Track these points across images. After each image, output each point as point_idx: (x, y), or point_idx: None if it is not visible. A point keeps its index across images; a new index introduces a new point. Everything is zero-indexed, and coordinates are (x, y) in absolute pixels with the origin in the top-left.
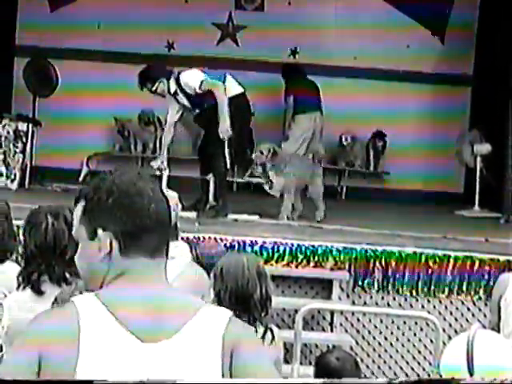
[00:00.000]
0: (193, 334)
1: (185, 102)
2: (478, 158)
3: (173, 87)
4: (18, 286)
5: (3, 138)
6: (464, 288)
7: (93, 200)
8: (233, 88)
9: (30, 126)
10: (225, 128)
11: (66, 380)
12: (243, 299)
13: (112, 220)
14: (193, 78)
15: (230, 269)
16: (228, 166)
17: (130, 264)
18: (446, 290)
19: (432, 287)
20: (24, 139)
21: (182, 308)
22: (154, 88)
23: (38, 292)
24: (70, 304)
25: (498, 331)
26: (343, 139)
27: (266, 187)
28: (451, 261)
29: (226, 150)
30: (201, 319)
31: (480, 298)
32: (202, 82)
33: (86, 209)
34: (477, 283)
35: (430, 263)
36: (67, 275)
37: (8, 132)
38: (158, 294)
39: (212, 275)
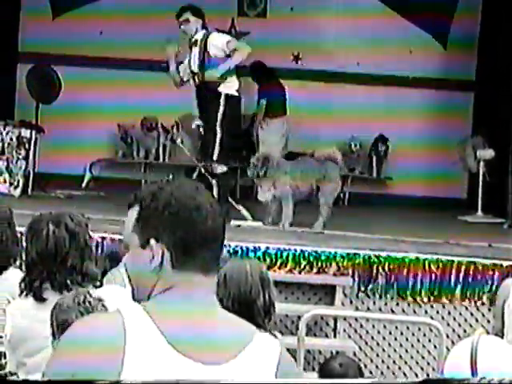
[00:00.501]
0: (245, 365)
1: (195, 60)
2: (481, 164)
3: (199, 36)
4: (21, 292)
5: (6, 145)
6: (467, 293)
7: (149, 208)
8: (235, 86)
9: (33, 132)
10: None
11: (66, 380)
12: (246, 306)
13: (167, 232)
14: (222, 36)
15: (233, 275)
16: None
17: (180, 278)
18: (450, 295)
19: (435, 293)
20: (27, 146)
21: (235, 335)
22: (190, 18)
23: (40, 299)
24: (116, 313)
25: (502, 337)
26: (352, 145)
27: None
28: (454, 266)
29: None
30: (254, 351)
31: (483, 304)
32: (229, 41)
33: (140, 216)
34: (480, 289)
35: (433, 268)
36: (68, 282)
37: (11, 138)
38: (209, 313)
39: (215, 282)
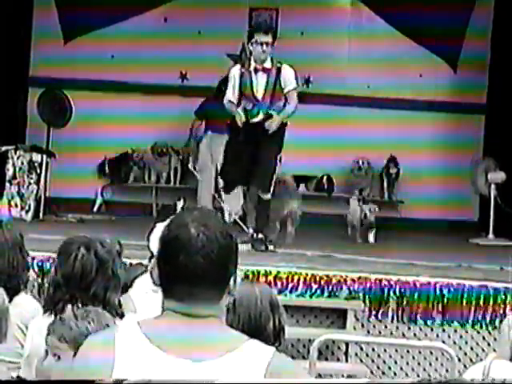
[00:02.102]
0: (236, 361)
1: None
2: (493, 186)
3: (268, 64)
4: (45, 311)
5: (18, 169)
6: (479, 317)
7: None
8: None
9: (44, 157)
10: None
11: (66, 380)
12: (256, 331)
13: (158, 262)
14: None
15: (243, 301)
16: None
17: (167, 304)
18: (462, 319)
19: (447, 316)
20: (38, 170)
21: (225, 337)
22: (272, 41)
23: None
24: (110, 330)
25: None
26: (360, 162)
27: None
28: (466, 290)
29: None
30: (245, 350)
31: (495, 327)
32: (298, 78)
33: None
34: (492, 312)
35: (445, 292)
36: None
37: (22, 163)
38: (197, 327)
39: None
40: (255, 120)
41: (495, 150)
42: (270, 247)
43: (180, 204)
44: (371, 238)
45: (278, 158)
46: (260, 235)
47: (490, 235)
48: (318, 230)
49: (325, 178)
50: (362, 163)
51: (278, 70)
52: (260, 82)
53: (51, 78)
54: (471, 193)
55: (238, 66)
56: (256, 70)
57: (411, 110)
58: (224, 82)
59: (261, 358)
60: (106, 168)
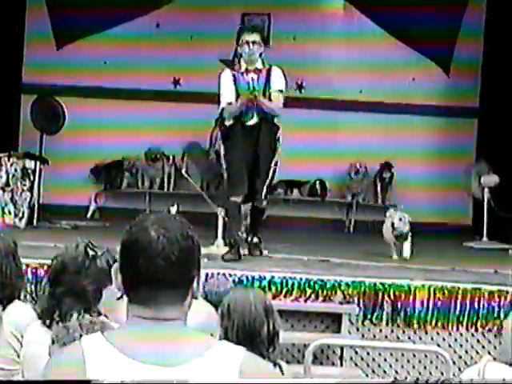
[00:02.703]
0: (209, 364)
1: (248, 82)
2: (486, 190)
3: (259, 65)
4: (43, 322)
5: (11, 176)
6: (474, 320)
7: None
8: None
9: (38, 163)
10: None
11: (66, 380)
12: (250, 336)
13: (120, 267)
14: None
15: (237, 306)
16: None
17: (131, 309)
18: (456, 322)
19: (441, 320)
20: (31, 177)
21: (193, 342)
22: (259, 40)
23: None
24: (76, 344)
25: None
26: (358, 166)
27: None
28: (460, 293)
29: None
30: (216, 353)
31: (490, 330)
32: (287, 83)
33: None
34: (486, 315)
35: (439, 296)
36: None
37: (15, 170)
38: (166, 332)
39: (219, 312)
40: (250, 123)
41: (488, 153)
42: (265, 252)
43: (173, 209)
44: (405, 251)
45: (274, 162)
46: (255, 239)
47: (484, 238)
48: (313, 235)
49: (317, 182)
50: (360, 167)
51: (269, 72)
52: (252, 84)
53: (44, 85)
54: (465, 196)
55: (228, 70)
56: (247, 72)
57: (404, 115)
58: None
59: (232, 359)
60: (100, 174)
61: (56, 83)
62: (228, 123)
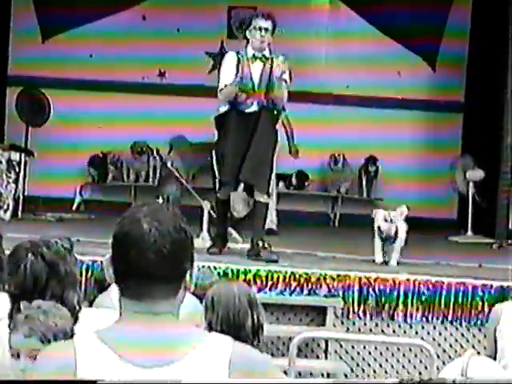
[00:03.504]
0: (200, 358)
1: (257, 77)
2: (471, 184)
3: (267, 53)
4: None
5: None
6: (458, 314)
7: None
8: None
9: (23, 155)
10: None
11: (66, 380)
12: (235, 329)
13: (112, 259)
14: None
15: (221, 299)
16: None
17: (124, 302)
18: (440, 316)
19: (426, 313)
20: (17, 169)
21: (182, 336)
22: (271, 29)
23: None
24: (68, 343)
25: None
26: (336, 156)
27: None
28: (445, 287)
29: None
30: (207, 345)
31: (474, 324)
32: (291, 72)
33: None
34: (470, 309)
35: (424, 290)
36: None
37: (1, 162)
38: (156, 332)
39: (203, 305)
40: (249, 110)
41: (473, 148)
42: (274, 256)
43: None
44: (392, 259)
45: (275, 154)
46: (260, 243)
47: (469, 233)
48: (298, 228)
49: (294, 175)
50: (338, 156)
51: (273, 62)
52: (256, 71)
53: (29, 77)
54: (450, 191)
55: (234, 53)
56: (254, 58)
57: (390, 109)
58: None
59: (222, 350)
60: (85, 167)
61: (42, 76)
62: (222, 109)
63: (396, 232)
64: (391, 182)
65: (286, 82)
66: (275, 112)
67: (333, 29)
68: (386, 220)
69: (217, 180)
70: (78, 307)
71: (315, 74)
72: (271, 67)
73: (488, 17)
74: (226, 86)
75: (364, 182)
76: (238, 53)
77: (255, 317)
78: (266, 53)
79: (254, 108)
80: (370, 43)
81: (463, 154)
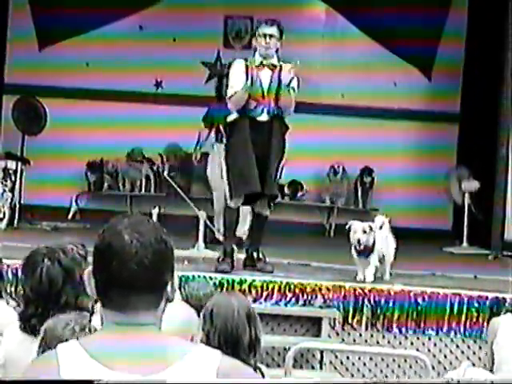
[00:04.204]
0: (185, 370)
1: (265, 83)
2: (466, 195)
3: (275, 61)
4: (20, 326)
5: None
6: (453, 325)
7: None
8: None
9: (19, 164)
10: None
11: (66, 380)
12: (232, 341)
13: (93, 271)
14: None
15: (220, 311)
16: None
17: (105, 314)
18: (435, 327)
19: (421, 325)
20: (13, 177)
21: (169, 347)
22: (278, 36)
23: (35, 334)
24: (51, 353)
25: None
26: (336, 167)
27: None
28: (440, 298)
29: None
30: (193, 358)
31: (470, 335)
32: (299, 80)
33: None
34: (465, 321)
35: (419, 300)
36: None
37: None
38: (140, 342)
39: (202, 316)
40: (261, 119)
41: (469, 158)
42: (268, 267)
43: (155, 212)
44: (386, 273)
45: (281, 165)
46: (255, 254)
47: (464, 244)
48: (294, 239)
49: (286, 184)
50: (337, 168)
51: (281, 69)
52: (265, 78)
53: (26, 85)
54: (445, 201)
55: (242, 60)
56: (262, 66)
57: (385, 119)
58: (219, 85)
59: (209, 363)
60: (81, 175)
61: (38, 84)
62: (230, 119)
63: (373, 244)
64: (386, 192)
65: (293, 89)
66: (285, 122)
67: (328, 38)
68: (364, 232)
69: (227, 189)
70: (92, 313)
71: (310, 83)
72: (279, 74)
73: (484, 27)
74: (235, 92)
75: (360, 193)
76: (246, 60)
77: (253, 331)
78: (274, 60)
79: (264, 116)
80: (365, 52)
81: (458, 165)
